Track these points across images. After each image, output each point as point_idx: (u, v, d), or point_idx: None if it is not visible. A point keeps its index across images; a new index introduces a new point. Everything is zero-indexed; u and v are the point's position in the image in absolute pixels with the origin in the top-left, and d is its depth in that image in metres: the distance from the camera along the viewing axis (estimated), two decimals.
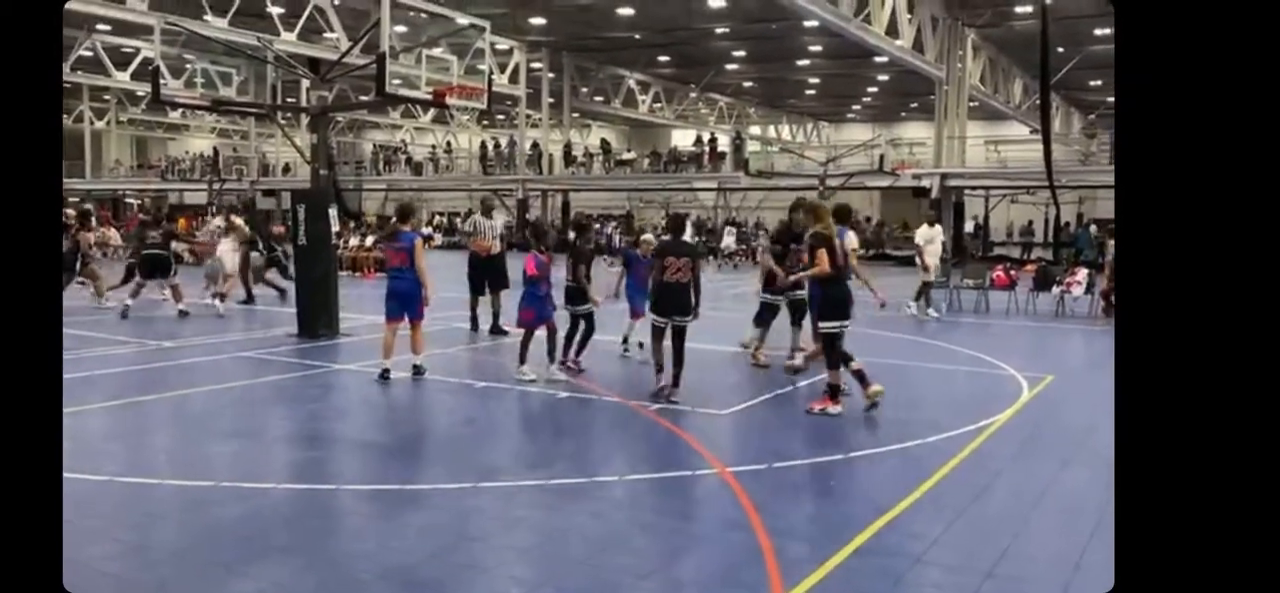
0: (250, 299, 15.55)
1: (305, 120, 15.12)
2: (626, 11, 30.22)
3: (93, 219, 20.19)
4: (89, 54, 31.96)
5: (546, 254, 9.21)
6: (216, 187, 40.14)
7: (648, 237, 11.52)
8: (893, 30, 24.67)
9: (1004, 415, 7.84)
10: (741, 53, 36.58)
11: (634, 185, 40.21)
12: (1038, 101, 28.60)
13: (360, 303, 13.87)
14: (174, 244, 15.20)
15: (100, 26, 30.06)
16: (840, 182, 30.19)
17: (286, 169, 45.05)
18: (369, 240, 24.44)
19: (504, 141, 42.13)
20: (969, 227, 35.41)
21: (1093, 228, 31.45)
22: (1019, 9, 28.44)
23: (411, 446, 7.12)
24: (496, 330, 12.09)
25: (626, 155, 40.57)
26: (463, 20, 13.05)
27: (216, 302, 14.13)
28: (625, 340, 10.49)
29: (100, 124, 48.13)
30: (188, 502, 5.41)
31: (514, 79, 35.16)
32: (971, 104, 32.49)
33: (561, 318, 9.37)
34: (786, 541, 4.75)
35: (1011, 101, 36.86)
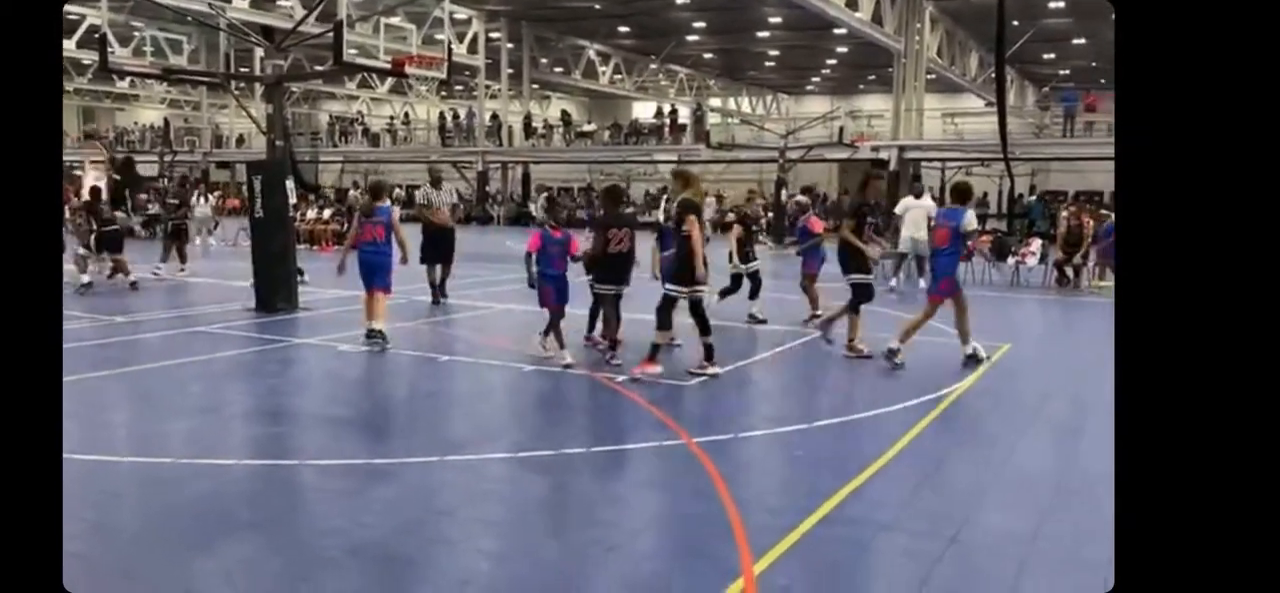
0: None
1: (260, 90, 14.85)
2: None
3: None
4: None
5: (557, 229, 8.78)
6: (168, 158, 39.27)
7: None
8: (852, 3, 24.77)
9: (964, 384, 7.97)
10: (702, 24, 36.48)
11: (595, 157, 40.07)
12: (993, 74, 28.88)
13: (319, 276, 13.70)
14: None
15: None
16: (800, 154, 30.33)
17: (241, 140, 44.22)
18: (326, 213, 24.11)
19: (463, 113, 41.70)
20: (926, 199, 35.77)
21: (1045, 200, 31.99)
22: None
23: (376, 420, 7.06)
24: (442, 295, 12.51)
25: (587, 127, 40.39)
26: None
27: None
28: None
29: None
30: (148, 479, 5.33)
31: (473, 49, 34.74)
32: (929, 77, 32.76)
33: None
34: (754, 510, 4.79)
35: (968, 74, 37.23)
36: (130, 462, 5.69)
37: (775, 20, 34.61)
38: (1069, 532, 4.69)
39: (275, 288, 11.68)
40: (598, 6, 33.68)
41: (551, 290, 8.53)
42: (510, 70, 38.19)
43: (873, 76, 43.74)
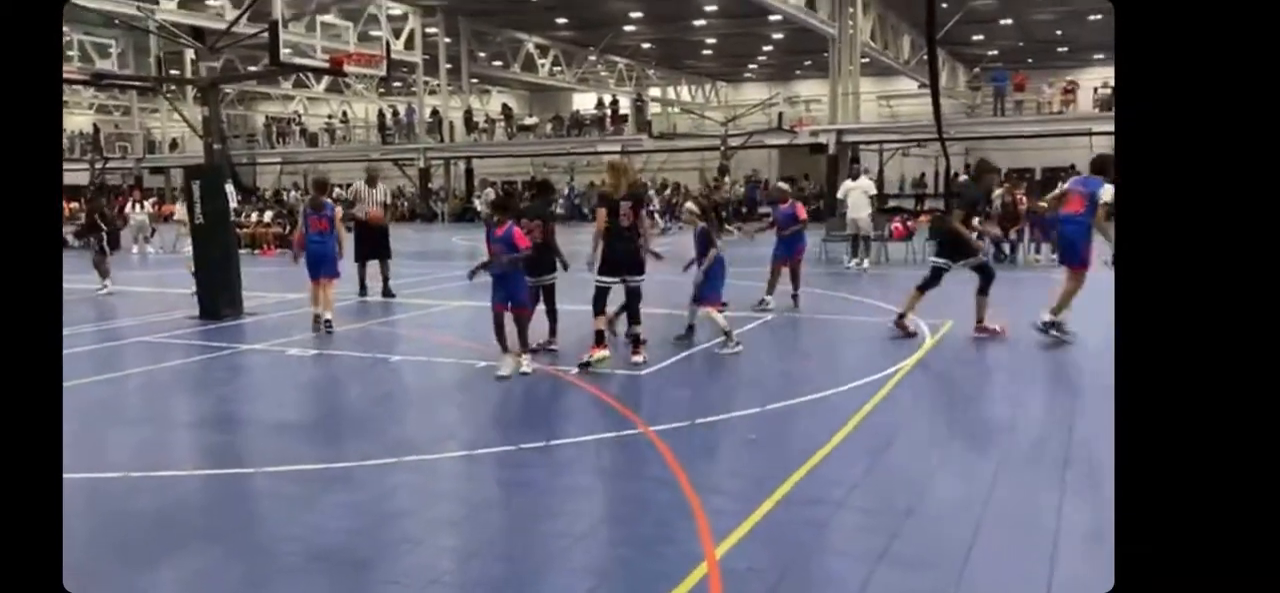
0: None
1: (193, 93, 14.54)
2: None
3: None
4: None
5: (500, 227, 7.92)
6: (98, 165, 38.22)
7: (690, 205, 10.44)
8: None
9: (910, 361, 8.15)
10: (639, 14, 36.51)
11: (537, 151, 39.90)
12: (925, 57, 29.39)
13: (263, 281, 13.48)
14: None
15: None
16: (742, 141, 30.56)
17: (174, 145, 43.21)
18: (267, 216, 23.69)
19: (402, 110, 41.20)
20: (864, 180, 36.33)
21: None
22: None
23: (329, 423, 6.99)
24: (388, 293, 12.72)
25: (528, 121, 40.17)
26: None
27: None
28: (691, 328, 9.30)
29: None
30: (96, 493, 5.22)
31: (409, 45, 34.30)
32: (863, 61, 33.23)
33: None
34: (713, 495, 4.86)
35: (901, 57, 37.82)
36: (78, 477, 5.55)
37: (711, 8, 34.79)
38: (1021, 491, 4.89)
39: (218, 294, 11.46)
40: None
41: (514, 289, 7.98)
42: (449, 65, 37.83)
43: (809, 62, 44.18)
